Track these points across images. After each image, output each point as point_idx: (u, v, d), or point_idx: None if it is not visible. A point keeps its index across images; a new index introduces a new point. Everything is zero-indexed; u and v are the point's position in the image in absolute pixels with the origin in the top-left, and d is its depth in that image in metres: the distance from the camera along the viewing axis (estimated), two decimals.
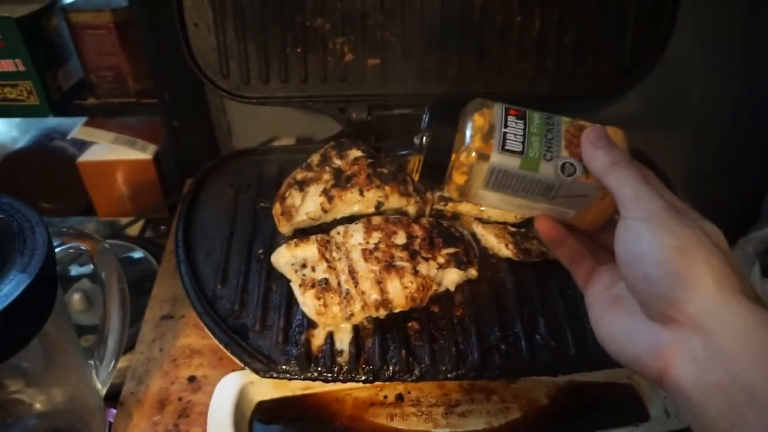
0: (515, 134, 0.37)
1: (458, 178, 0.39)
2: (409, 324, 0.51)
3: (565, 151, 0.37)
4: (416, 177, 0.43)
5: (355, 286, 0.50)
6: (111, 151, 0.77)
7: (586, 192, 0.37)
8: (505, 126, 0.37)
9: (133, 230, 0.83)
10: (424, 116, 0.42)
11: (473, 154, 0.37)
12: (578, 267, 0.40)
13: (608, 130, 0.37)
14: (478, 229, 0.57)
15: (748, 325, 0.27)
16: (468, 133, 0.38)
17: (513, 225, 0.58)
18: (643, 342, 0.31)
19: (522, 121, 0.38)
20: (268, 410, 0.51)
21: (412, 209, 0.58)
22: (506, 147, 0.37)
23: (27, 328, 0.37)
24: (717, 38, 0.76)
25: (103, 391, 0.52)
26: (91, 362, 0.51)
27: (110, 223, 0.84)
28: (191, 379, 0.55)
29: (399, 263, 0.51)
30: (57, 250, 0.44)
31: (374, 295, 0.49)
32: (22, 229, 0.39)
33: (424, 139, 0.41)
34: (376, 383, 0.51)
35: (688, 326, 0.29)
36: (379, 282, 0.50)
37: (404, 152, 0.45)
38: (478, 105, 0.39)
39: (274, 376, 0.49)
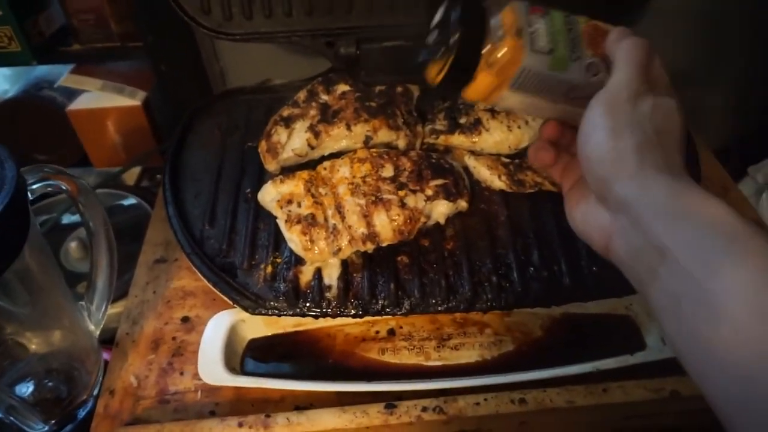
0: (543, 32, 0.36)
1: (485, 79, 0.37)
2: (399, 258, 0.50)
3: (587, 50, 0.36)
4: (438, 79, 0.39)
5: (342, 221, 0.49)
6: (100, 99, 0.76)
7: None
8: (531, 25, 0.36)
9: (131, 180, 0.83)
10: (441, 13, 0.39)
11: (505, 51, 0.35)
12: (568, 172, 0.42)
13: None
14: (470, 161, 0.55)
15: (659, 196, 0.31)
16: (498, 31, 0.36)
17: (507, 156, 0.56)
18: (595, 222, 0.36)
19: (544, 20, 0.36)
20: (259, 348, 0.51)
21: (402, 143, 0.56)
22: (536, 46, 0.35)
23: None
24: None
25: (97, 333, 0.52)
26: (82, 303, 0.51)
27: (111, 174, 0.83)
28: (185, 319, 0.55)
29: (386, 196, 0.49)
30: (35, 186, 0.44)
31: (361, 229, 0.48)
32: None
33: (452, 36, 0.37)
34: (368, 319, 0.51)
35: (618, 205, 0.33)
36: (366, 215, 0.48)
37: (425, 53, 0.40)
38: (497, 2, 0.37)
39: (263, 312, 0.48)
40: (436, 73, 0.39)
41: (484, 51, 0.36)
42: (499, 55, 0.36)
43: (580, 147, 0.35)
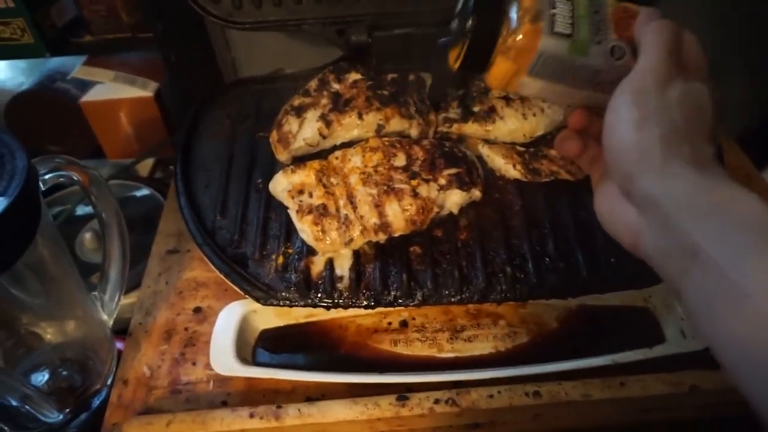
0: (563, 16, 0.34)
1: (501, 65, 0.36)
2: (411, 248, 0.49)
3: (613, 33, 0.35)
4: (456, 65, 0.38)
5: (354, 211, 0.48)
6: (112, 90, 0.76)
7: None
8: (553, 7, 0.34)
9: (144, 171, 0.83)
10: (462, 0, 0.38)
11: (521, 36, 0.35)
12: (597, 163, 0.39)
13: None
14: (485, 150, 0.54)
15: (688, 192, 0.29)
16: (515, 15, 0.35)
17: (522, 144, 0.55)
18: (623, 219, 0.34)
19: (569, 2, 0.35)
20: (271, 338, 0.51)
21: (414, 132, 0.55)
22: (555, 29, 0.34)
23: (8, 251, 0.36)
24: None
25: (110, 323, 0.52)
26: (95, 293, 0.51)
27: (124, 165, 0.83)
28: (197, 310, 0.55)
29: (398, 186, 0.48)
30: (47, 177, 0.44)
31: (373, 219, 0.47)
32: (2, 155, 0.38)
33: (467, 22, 0.36)
34: (380, 310, 0.50)
35: (644, 202, 0.31)
36: (378, 205, 0.48)
37: (444, 40, 0.40)
38: None
39: (274, 303, 0.48)
40: (454, 58, 0.38)
41: (501, 36, 0.35)
42: (515, 39, 0.35)
43: (604, 139, 0.33)
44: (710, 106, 0.32)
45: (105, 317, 0.52)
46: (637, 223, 0.33)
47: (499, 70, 0.36)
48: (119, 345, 0.54)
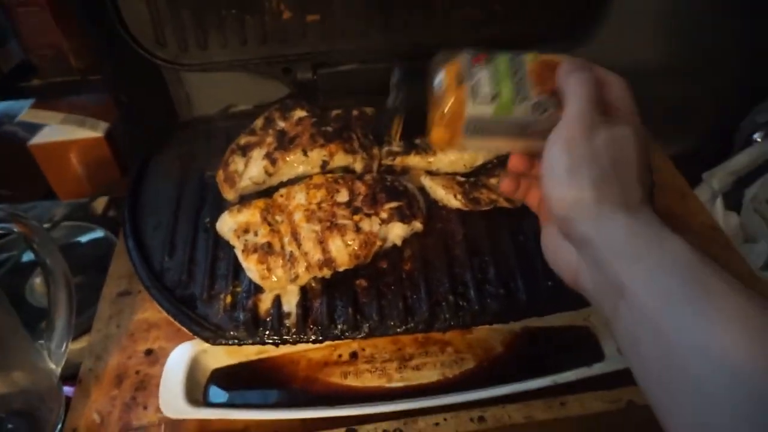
0: (484, 82, 0.37)
1: (438, 133, 0.40)
2: (358, 281, 0.50)
3: (533, 90, 0.37)
4: (397, 138, 0.43)
5: (299, 248, 0.49)
6: (62, 132, 0.75)
7: None
8: (473, 76, 0.38)
9: (99, 210, 0.82)
10: (392, 75, 0.42)
11: (449, 107, 0.38)
12: (543, 203, 0.41)
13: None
14: (426, 182, 0.56)
15: (618, 235, 0.31)
16: (439, 88, 0.38)
17: (463, 174, 0.57)
18: (564, 257, 0.37)
19: (488, 68, 0.38)
20: (223, 377, 0.51)
21: (359, 166, 0.57)
22: (480, 96, 0.37)
23: None
24: None
25: (58, 371, 0.52)
26: (41, 342, 0.50)
27: (78, 205, 0.83)
28: (148, 352, 0.55)
29: (341, 221, 0.50)
30: None
31: (317, 256, 0.49)
32: None
33: (398, 99, 0.41)
34: (330, 342, 0.51)
35: (580, 242, 0.34)
36: (321, 242, 0.49)
37: (385, 116, 0.44)
38: (444, 58, 0.39)
39: (223, 342, 0.48)
40: (395, 131, 0.42)
41: (431, 108, 0.39)
42: (444, 110, 0.38)
43: (541, 187, 0.35)
44: (636, 148, 0.34)
45: (53, 366, 0.51)
46: (576, 261, 0.35)
47: (436, 136, 0.40)
48: (68, 391, 0.53)
